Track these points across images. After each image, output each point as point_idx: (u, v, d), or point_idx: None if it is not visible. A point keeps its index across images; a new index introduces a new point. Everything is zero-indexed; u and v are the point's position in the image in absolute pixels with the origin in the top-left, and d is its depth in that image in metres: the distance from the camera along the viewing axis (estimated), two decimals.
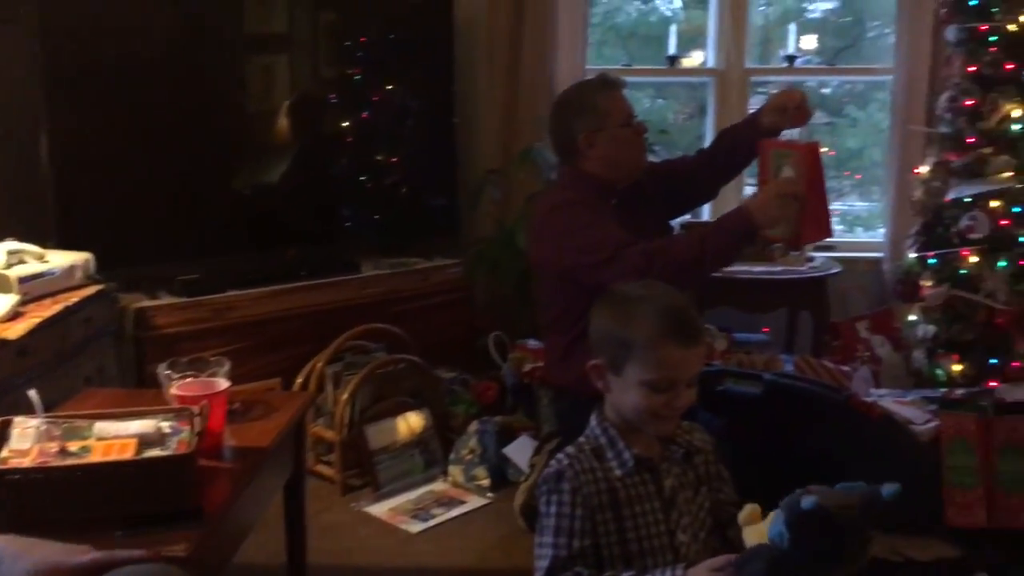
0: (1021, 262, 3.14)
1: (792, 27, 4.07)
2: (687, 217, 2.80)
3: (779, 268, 3.64)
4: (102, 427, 1.67)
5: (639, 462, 1.50)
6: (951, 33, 3.31)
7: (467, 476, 3.13)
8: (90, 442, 1.63)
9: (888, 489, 1.22)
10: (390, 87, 3.78)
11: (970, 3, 3.24)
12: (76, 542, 1.35)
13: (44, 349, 2.32)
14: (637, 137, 2.30)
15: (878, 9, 4.26)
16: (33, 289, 2.44)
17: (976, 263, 3.19)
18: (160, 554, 1.39)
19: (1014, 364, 3.14)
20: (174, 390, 1.83)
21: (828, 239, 2.45)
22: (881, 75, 4.08)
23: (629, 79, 2.38)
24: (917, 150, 3.67)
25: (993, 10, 3.19)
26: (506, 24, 3.87)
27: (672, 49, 4.06)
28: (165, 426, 1.68)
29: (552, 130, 2.35)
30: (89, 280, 2.66)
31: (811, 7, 4.56)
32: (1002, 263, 3.15)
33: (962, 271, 3.22)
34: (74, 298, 2.52)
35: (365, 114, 3.72)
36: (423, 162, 3.89)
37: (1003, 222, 3.16)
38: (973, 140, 3.22)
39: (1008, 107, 3.16)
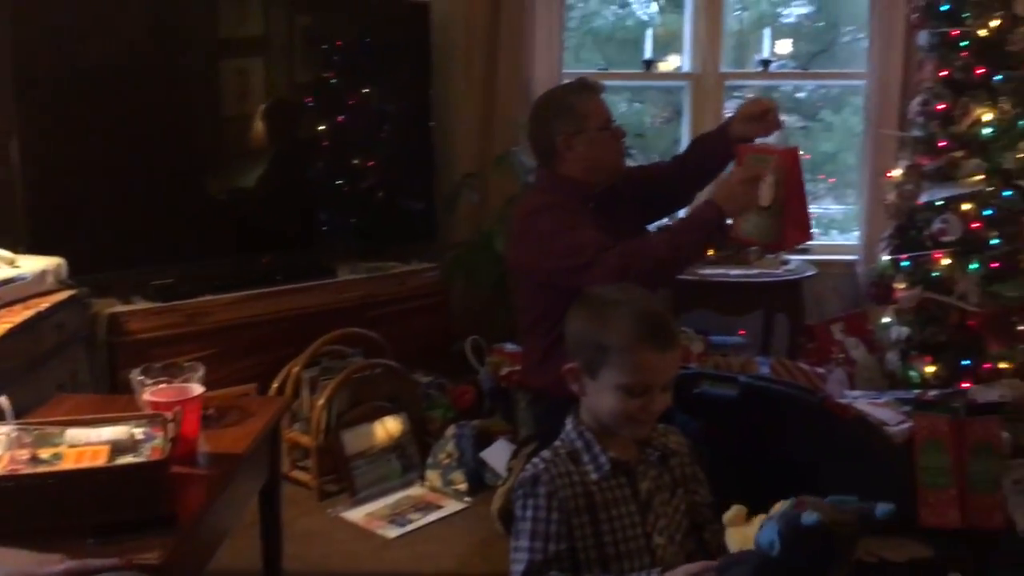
0: (992, 265, 3.17)
1: (767, 32, 4.10)
2: (665, 221, 2.82)
3: (755, 271, 3.67)
4: (74, 434, 1.65)
5: (615, 465, 1.50)
6: (923, 38, 3.35)
7: (444, 480, 3.12)
8: (62, 449, 1.61)
9: (882, 509, 1.24)
10: (366, 91, 3.77)
11: (941, 8, 3.28)
12: (48, 551, 1.33)
13: (15, 355, 2.28)
14: (615, 141, 2.31)
15: (852, 14, 4.30)
16: (3, 295, 2.40)
17: (948, 266, 3.22)
18: (133, 562, 1.37)
19: (986, 365, 3.18)
20: (147, 396, 1.81)
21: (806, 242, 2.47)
22: (855, 79, 4.12)
23: (606, 83, 2.38)
24: (890, 154, 3.70)
25: (964, 15, 3.23)
26: (483, 28, 3.87)
27: (648, 53, 4.07)
28: (138, 432, 1.66)
29: (531, 133, 2.36)
30: (61, 285, 2.62)
31: (786, 12, 4.60)
32: (974, 266, 3.18)
33: (934, 273, 3.25)
34: (45, 304, 2.48)
35: (341, 118, 3.71)
36: (400, 166, 3.88)
37: (974, 225, 3.19)
38: (945, 144, 3.26)
39: (979, 111, 3.20)
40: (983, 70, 3.20)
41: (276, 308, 3.32)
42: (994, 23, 3.17)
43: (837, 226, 4.51)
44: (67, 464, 1.57)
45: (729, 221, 2.19)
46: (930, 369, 3.24)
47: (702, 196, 2.71)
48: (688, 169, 2.44)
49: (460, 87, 3.96)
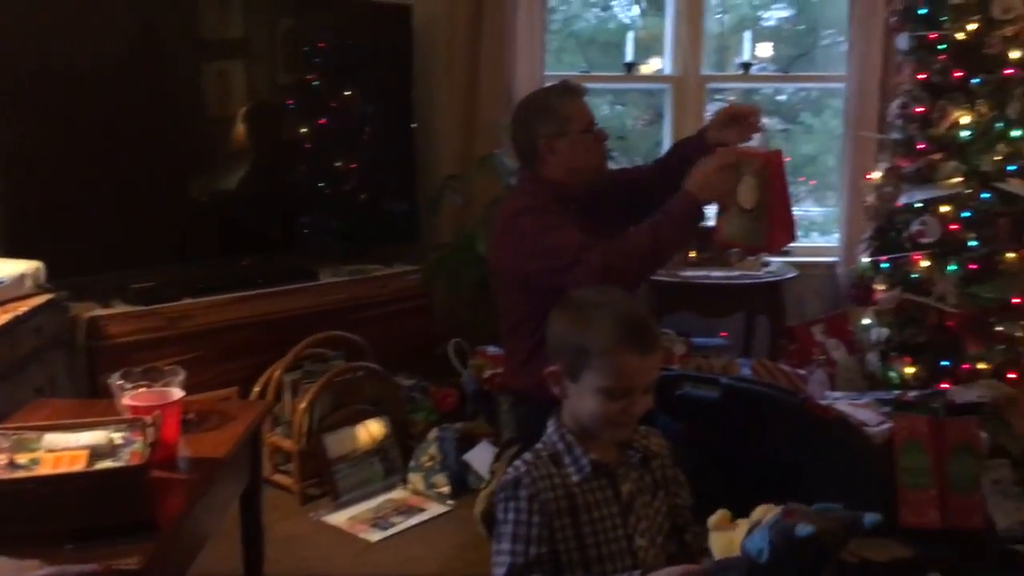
0: (970, 266, 3.20)
1: (747, 35, 4.12)
2: None
3: (736, 273, 3.68)
4: (52, 439, 1.64)
5: (596, 467, 1.50)
6: (902, 41, 3.38)
7: (427, 484, 3.12)
8: (39, 454, 1.59)
9: (870, 518, 1.25)
10: (348, 93, 3.76)
11: (919, 12, 3.30)
12: (26, 557, 1.32)
13: None
14: (598, 144, 2.31)
15: (831, 18, 4.32)
16: None
17: (927, 267, 3.25)
18: (112, 567, 1.37)
19: (964, 366, 3.20)
20: (126, 400, 1.80)
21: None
22: (834, 82, 4.15)
23: (588, 85, 2.38)
24: (870, 156, 3.74)
25: (942, 19, 3.25)
26: (465, 30, 3.87)
27: (630, 56, 4.08)
28: (117, 437, 1.65)
29: (513, 135, 2.35)
30: (39, 289, 2.61)
31: (766, 15, 4.62)
32: (952, 267, 3.21)
33: (913, 275, 3.28)
34: (23, 307, 2.47)
35: (323, 120, 3.70)
36: (382, 168, 3.88)
37: (952, 227, 3.21)
38: (923, 146, 3.28)
39: (957, 114, 3.22)
40: (961, 73, 3.22)
41: (257, 311, 3.31)
42: (971, 27, 3.20)
43: (817, 228, 4.54)
44: (45, 469, 1.55)
45: (712, 223, 2.20)
46: (909, 370, 3.26)
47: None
48: (668, 174, 2.44)
49: (442, 89, 3.96)
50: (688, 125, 3.88)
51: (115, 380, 1.84)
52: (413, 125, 3.90)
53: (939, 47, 3.25)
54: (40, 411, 2.00)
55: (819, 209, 4.65)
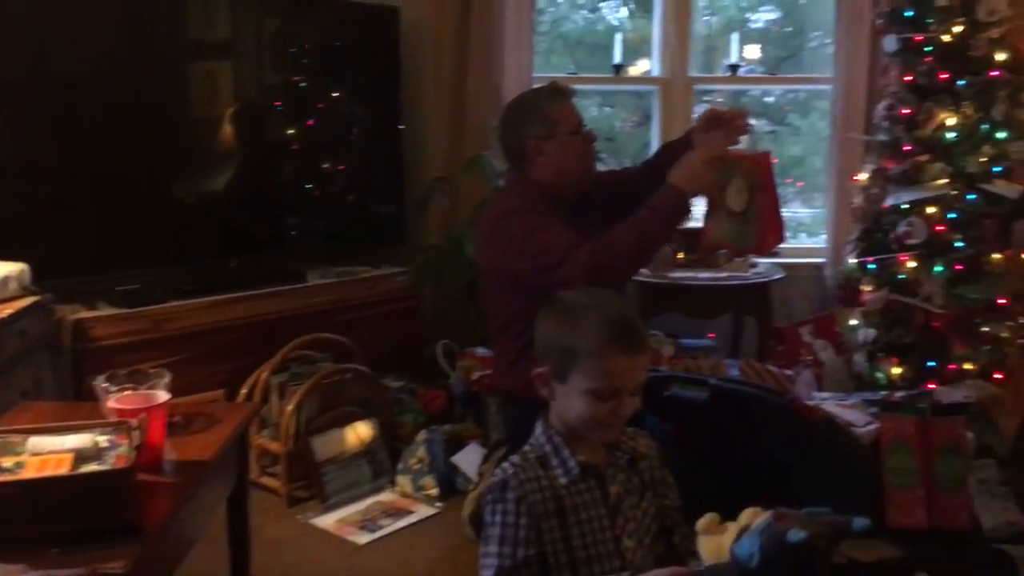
0: (956, 267, 3.22)
1: (735, 37, 4.13)
2: None
3: (724, 274, 3.69)
4: (37, 442, 1.62)
5: (584, 469, 1.50)
6: (888, 43, 3.39)
7: (415, 486, 3.11)
8: (24, 457, 1.58)
9: (860, 523, 1.25)
10: (336, 94, 3.76)
11: (905, 14, 3.32)
12: (11, 561, 1.31)
13: None
14: (586, 146, 2.31)
15: (819, 20, 4.34)
16: None
17: (913, 268, 3.26)
18: (98, 571, 1.36)
19: (951, 366, 3.22)
20: (112, 403, 1.79)
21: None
22: (822, 84, 4.16)
23: (576, 87, 2.39)
24: (856, 158, 3.75)
25: (928, 21, 3.27)
26: (453, 32, 3.87)
27: (618, 58, 4.09)
28: (102, 440, 1.64)
29: (502, 137, 2.35)
30: (24, 291, 2.59)
31: (754, 17, 4.63)
32: (938, 268, 3.22)
33: (900, 276, 3.29)
34: (8, 310, 2.45)
35: (311, 121, 3.69)
36: (370, 170, 3.87)
37: (939, 228, 3.23)
38: (909, 148, 3.30)
39: (943, 115, 3.24)
40: (946, 75, 3.24)
41: (244, 313, 3.29)
42: (957, 29, 3.22)
43: (805, 229, 4.55)
44: (30, 473, 1.54)
45: (700, 224, 2.20)
46: (896, 370, 3.27)
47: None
48: (656, 176, 2.43)
49: (430, 91, 3.96)
50: (676, 127, 3.89)
51: (100, 383, 1.83)
52: (401, 127, 3.89)
53: (925, 49, 3.27)
54: (25, 414, 1.99)
55: (807, 210, 4.66)
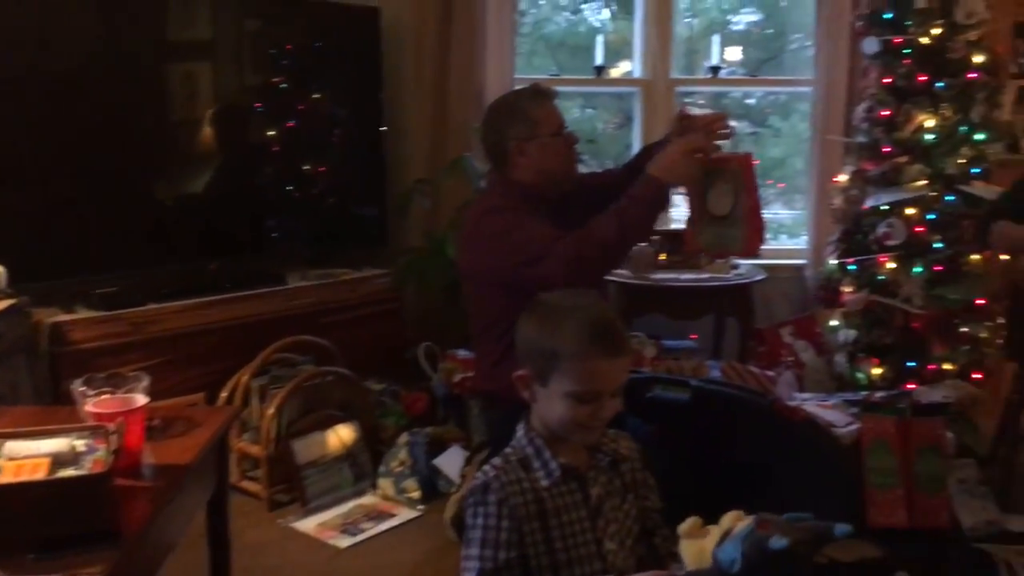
0: (936, 268, 3.24)
1: (716, 39, 4.14)
2: None
3: (706, 275, 3.70)
4: (13, 446, 1.61)
5: (565, 471, 1.49)
6: (868, 46, 3.41)
7: (397, 489, 3.10)
8: (0, 463, 1.56)
9: (841, 529, 1.25)
10: (317, 96, 3.74)
11: (885, 16, 3.34)
12: None
13: None
14: (568, 147, 2.31)
15: (799, 22, 4.37)
16: None
17: (893, 269, 3.29)
18: None
19: (930, 367, 3.24)
20: (89, 407, 1.77)
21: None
22: (802, 86, 4.18)
23: (558, 88, 2.39)
24: (836, 159, 3.77)
25: (907, 23, 3.30)
26: (434, 33, 3.86)
27: (600, 59, 4.10)
28: (80, 445, 1.62)
29: (483, 138, 2.35)
30: (1, 294, 2.57)
31: (735, 19, 4.65)
32: (917, 269, 3.25)
33: (880, 277, 3.31)
34: None
35: (291, 123, 3.67)
36: (351, 171, 3.85)
37: (918, 229, 3.26)
38: (889, 150, 3.32)
39: (921, 117, 3.27)
40: (925, 77, 3.27)
41: (224, 316, 3.27)
42: (936, 31, 3.25)
43: (786, 231, 4.57)
44: (6, 478, 1.52)
45: (685, 225, 2.20)
46: (877, 371, 3.29)
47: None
48: (637, 177, 2.45)
49: (411, 92, 3.95)
50: (658, 128, 3.89)
51: (78, 386, 1.81)
52: (382, 128, 3.88)
53: (904, 51, 3.30)
54: (1, 418, 1.97)
55: (787, 212, 4.69)
